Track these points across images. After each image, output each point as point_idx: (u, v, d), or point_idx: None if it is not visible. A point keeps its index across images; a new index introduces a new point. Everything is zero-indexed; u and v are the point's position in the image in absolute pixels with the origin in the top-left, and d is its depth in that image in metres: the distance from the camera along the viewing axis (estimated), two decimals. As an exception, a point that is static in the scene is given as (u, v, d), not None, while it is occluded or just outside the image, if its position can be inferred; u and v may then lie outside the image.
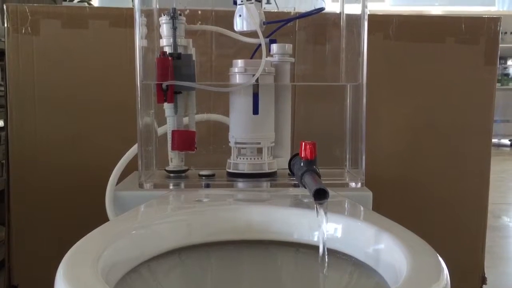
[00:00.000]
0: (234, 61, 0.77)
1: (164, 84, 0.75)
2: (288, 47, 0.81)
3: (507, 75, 4.13)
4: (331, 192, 0.55)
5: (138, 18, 0.73)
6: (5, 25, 0.99)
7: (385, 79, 1.06)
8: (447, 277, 0.43)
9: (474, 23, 1.06)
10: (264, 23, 0.79)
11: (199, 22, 0.95)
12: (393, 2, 4.35)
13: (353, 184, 0.78)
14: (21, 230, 1.04)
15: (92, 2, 2.10)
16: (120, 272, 0.51)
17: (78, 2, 2.00)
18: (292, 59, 0.82)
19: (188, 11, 0.86)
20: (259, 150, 0.78)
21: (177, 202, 0.73)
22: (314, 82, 1.00)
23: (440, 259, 0.46)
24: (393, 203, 1.07)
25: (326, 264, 0.55)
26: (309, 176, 0.60)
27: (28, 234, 1.04)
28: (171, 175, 0.81)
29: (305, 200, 0.69)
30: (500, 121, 3.81)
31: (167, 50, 0.78)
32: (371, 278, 0.54)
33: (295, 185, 0.76)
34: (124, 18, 1.00)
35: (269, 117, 0.79)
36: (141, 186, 0.76)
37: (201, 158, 0.84)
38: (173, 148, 0.80)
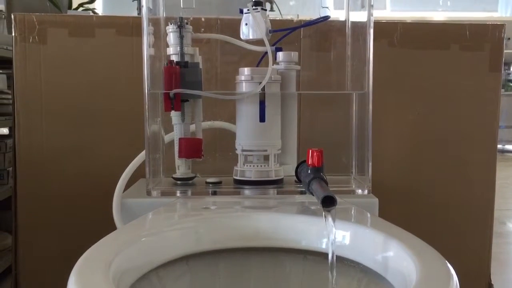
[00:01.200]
0: (241, 69, 0.78)
1: (172, 92, 0.76)
2: (294, 54, 0.81)
3: (511, 80, 4.13)
4: (338, 199, 0.56)
5: (145, 27, 0.74)
6: (13, 34, 1.00)
7: (389, 86, 1.06)
8: (456, 284, 0.43)
9: (478, 30, 1.06)
10: (270, 31, 0.79)
11: (202, 30, 0.95)
12: (393, 8, 4.37)
13: (359, 191, 0.78)
14: (28, 237, 1.04)
15: (96, 10, 2.11)
16: (130, 279, 0.51)
17: (83, 10, 2.01)
18: (298, 67, 0.82)
19: (192, 18, 0.86)
20: (266, 158, 0.78)
21: (185, 210, 0.73)
22: (320, 91, 1.00)
23: (449, 266, 0.46)
24: (399, 210, 1.07)
25: (334, 271, 0.55)
26: (317, 183, 0.61)
27: (34, 241, 1.04)
28: (178, 182, 0.81)
29: (312, 207, 0.69)
30: (504, 126, 3.81)
31: (174, 58, 0.79)
32: (379, 285, 0.54)
33: (301, 192, 0.76)
34: (130, 26, 1.01)
35: (275, 125, 0.79)
36: (148, 193, 0.77)
37: (207, 166, 0.84)
38: (180, 156, 0.81)
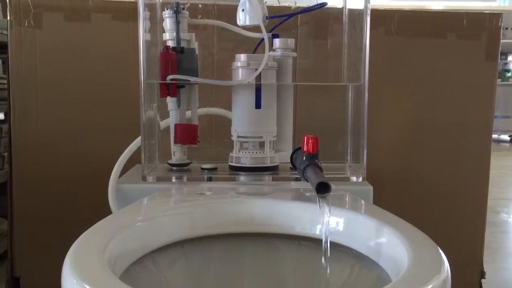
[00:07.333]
0: (237, 55, 0.77)
1: (167, 80, 0.75)
2: (291, 41, 0.81)
3: (508, 70, 4.13)
4: (332, 186, 0.56)
5: (142, 14, 0.74)
6: (8, 18, 0.99)
7: (386, 74, 1.06)
8: (447, 270, 0.43)
9: (475, 18, 1.06)
10: (267, 18, 0.79)
11: (200, 16, 0.95)
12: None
13: (354, 178, 0.78)
14: (24, 222, 1.04)
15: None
16: (125, 263, 0.51)
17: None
18: (295, 54, 0.82)
19: (189, 4, 0.86)
20: (261, 144, 0.78)
21: (180, 195, 0.73)
22: (316, 82, 1.00)
23: (441, 252, 0.47)
24: (394, 198, 1.08)
25: (328, 257, 0.56)
26: (311, 170, 0.61)
27: (30, 227, 1.04)
28: (174, 168, 0.81)
29: (307, 194, 0.70)
30: (500, 116, 3.82)
31: (170, 44, 0.78)
32: (372, 271, 0.55)
33: (296, 179, 0.77)
34: (126, 11, 1.00)
35: (271, 111, 0.79)
36: (144, 179, 0.77)
37: (203, 152, 0.85)
38: (175, 142, 0.81)
